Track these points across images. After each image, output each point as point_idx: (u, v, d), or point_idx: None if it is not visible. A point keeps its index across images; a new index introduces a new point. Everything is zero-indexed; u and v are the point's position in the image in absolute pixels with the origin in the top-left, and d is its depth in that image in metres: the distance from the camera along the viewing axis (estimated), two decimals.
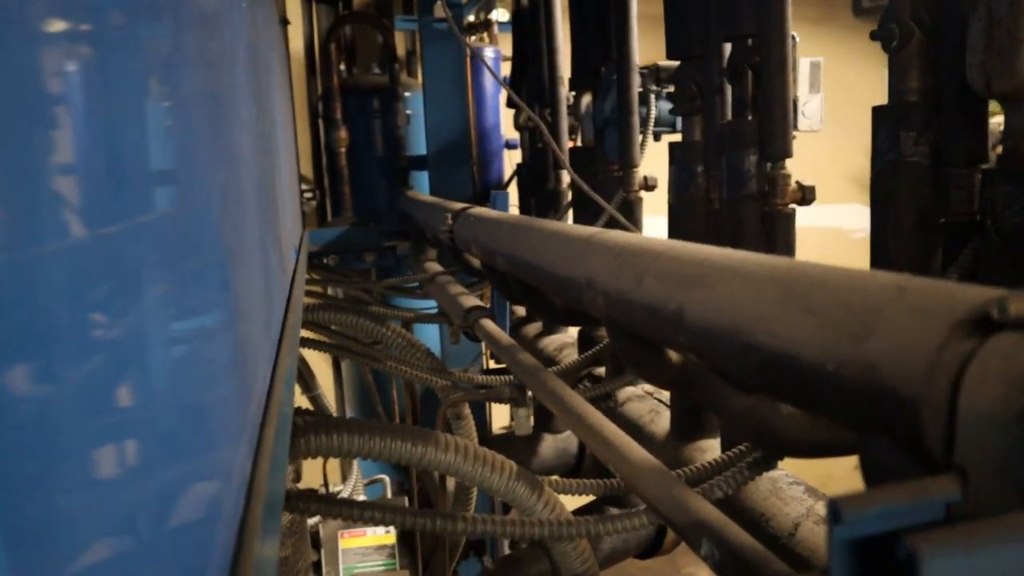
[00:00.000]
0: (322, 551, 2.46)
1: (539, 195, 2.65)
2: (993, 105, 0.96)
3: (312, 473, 3.41)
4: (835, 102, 2.30)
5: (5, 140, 0.27)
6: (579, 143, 2.46)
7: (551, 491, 1.05)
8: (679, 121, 2.20)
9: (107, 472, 0.34)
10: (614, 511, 1.00)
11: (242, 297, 0.67)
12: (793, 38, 1.31)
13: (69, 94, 0.33)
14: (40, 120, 0.30)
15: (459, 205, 1.81)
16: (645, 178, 1.95)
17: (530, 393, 1.46)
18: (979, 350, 0.40)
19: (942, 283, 0.46)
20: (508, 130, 3.04)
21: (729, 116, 1.49)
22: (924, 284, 0.46)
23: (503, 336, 1.58)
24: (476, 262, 1.81)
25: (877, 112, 1.07)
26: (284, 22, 2.79)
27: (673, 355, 0.86)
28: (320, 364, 4.17)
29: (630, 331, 0.81)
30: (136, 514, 0.36)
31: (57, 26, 0.33)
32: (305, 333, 1.80)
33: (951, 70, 0.97)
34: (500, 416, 3.83)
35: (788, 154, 1.33)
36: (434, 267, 2.52)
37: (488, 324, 1.68)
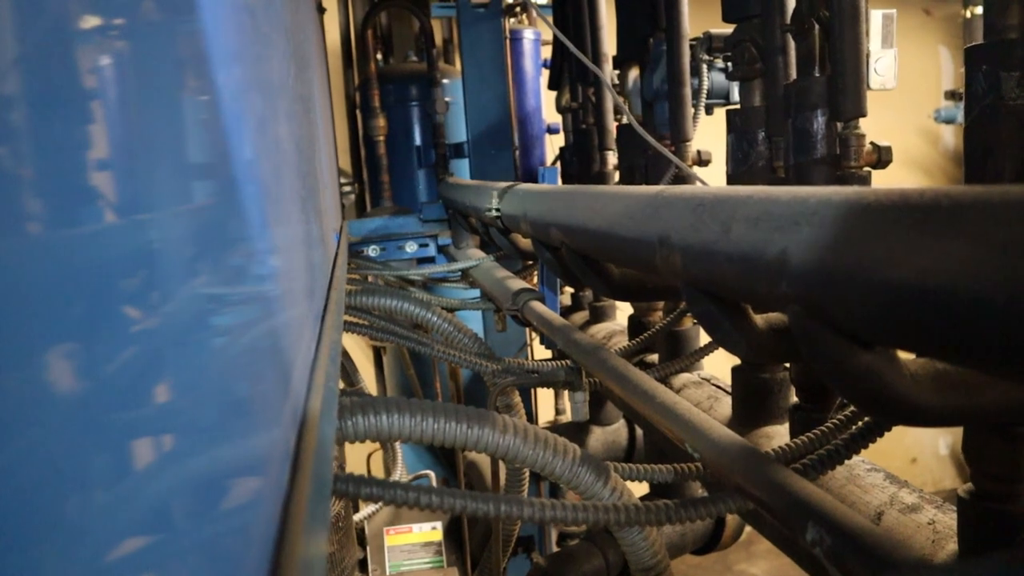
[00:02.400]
0: (368, 548, 2.40)
1: (584, 178, 2.56)
2: None
3: (357, 468, 3.35)
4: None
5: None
6: (624, 122, 2.37)
7: (618, 476, 0.96)
8: (733, 92, 2.11)
9: (142, 457, 0.28)
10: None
11: (283, 274, 0.60)
12: None
13: (105, 86, 0.30)
14: (74, 113, 0.28)
15: (505, 184, 1.72)
16: (699, 152, 1.85)
17: (585, 377, 1.38)
18: None
19: None
20: (549, 114, 2.95)
21: (793, 77, 1.39)
22: None
23: (555, 317, 1.50)
24: (525, 242, 1.73)
25: (972, 53, 0.96)
26: (320, 9, 2.74)
27: (759, 320, 0.77)
28: (361, 360, 4.12)
29: (715, 291, 0.72)
30: (171, 498, 0.30)
31: (90, 21, 0.30)
32: (347, 319, 1.73)
33: None
34: (544, 411, 3.74)
35: (862, 112, 1.22)
36: (476, 253, 2.44)
37: (538, 306, 1.60)
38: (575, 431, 2.74)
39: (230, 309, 0.43)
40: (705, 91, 1.91)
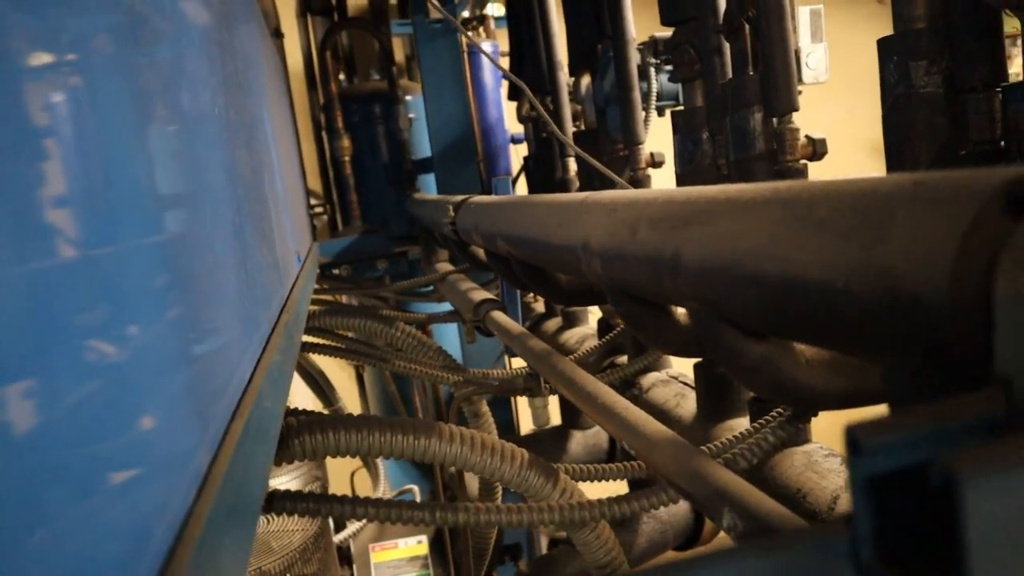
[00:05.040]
0: (354, 566, 2.41)
1: (548, 186, 2.59)
2: None
3: (341, 487, 3.36)
4: (845, 70, 2.22)
5: None
6: (583, 127, 2.39)
7: (567, 478, 0.98)
8: (682, 93, 2.14)
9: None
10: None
11: (200, 300, 0.62)
12: None
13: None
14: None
15: (460, 197, 1.75)
16: (652, 154, 1.88)
17: (544, 383, 1.40)
18: (1015, 231, 0.33)
19: (965, 171, 0.39)
20: (513, 125, 2.98)
21: (730, 75, 1.42)
22: (944, 175, 0.39)
23: (514, 326, 1.52)
24: (481, 252, 1.75)
25: (883, 44, 0.99)
26: (277, 35, 2.76)
27: (681, 315, 0.79)
28: (343, 378, 4.13)
29: (629, 291, 0.74)
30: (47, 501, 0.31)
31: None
32: (314, 339, 1.75)
33: None
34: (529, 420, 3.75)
35: (794, 107, 1.25)
36: (445, 267, 2.46)
37: (499, 316, 1.62)
38: (554, 437, 2.76)
39: (125, 332, 0.44)
40: (654, 94, 1.94)
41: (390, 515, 0.70)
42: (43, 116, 0.36)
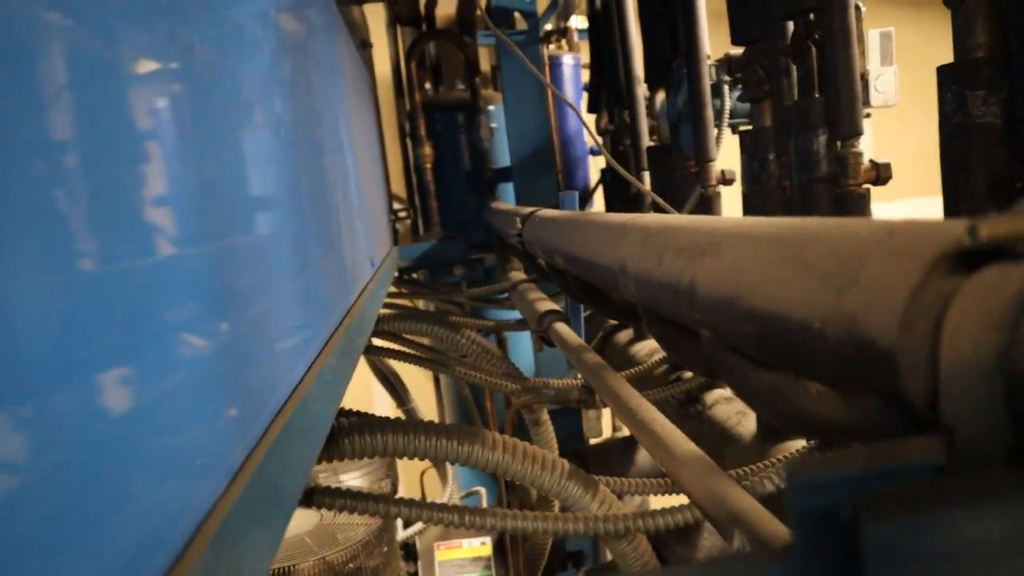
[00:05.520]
0: (419, 563, 2.47)
1: (623, 199, 2.61)
2: None
3: (412, 485, 3.45)
4: (919, 82, 2.16)
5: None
6: (659, 142, 2.41)
7: (606, 490, 1.01)
8: (751, 112, 2.13)
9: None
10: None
11: (250, 312, 0.68)
12: (857, 8, 1.23)
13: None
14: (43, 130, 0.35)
15: (529, 209, 1.79)
16: (723, 172, 1.88)
17: (598, 396, 1.43)
18: (961, 287, 0.35)
19: (940, 220, 0.40)
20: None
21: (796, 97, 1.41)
22: (919, 223, 0.41)
23: (573, 338, 1.55)
24: (544, 264, 1.79)
25: (942, 72, 0.99)
26: (364, 46, 2.86)
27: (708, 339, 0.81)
28: (423, 381, 4.23)
29: (660, 313, 0.77)
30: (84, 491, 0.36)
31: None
32: (385, 344, 1.81)
33: (1021, 18, 0.89)
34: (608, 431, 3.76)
35: (858, 131, 1.24)
36: (518, 276, 2.51)
37: (561, 327, 1.65)
38: (623, 448, 2.77)
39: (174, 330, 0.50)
40: (728, 111, 1.94)
41: (422, 515, 0.74)
42: (95, 122, 0.41)
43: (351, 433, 0.94)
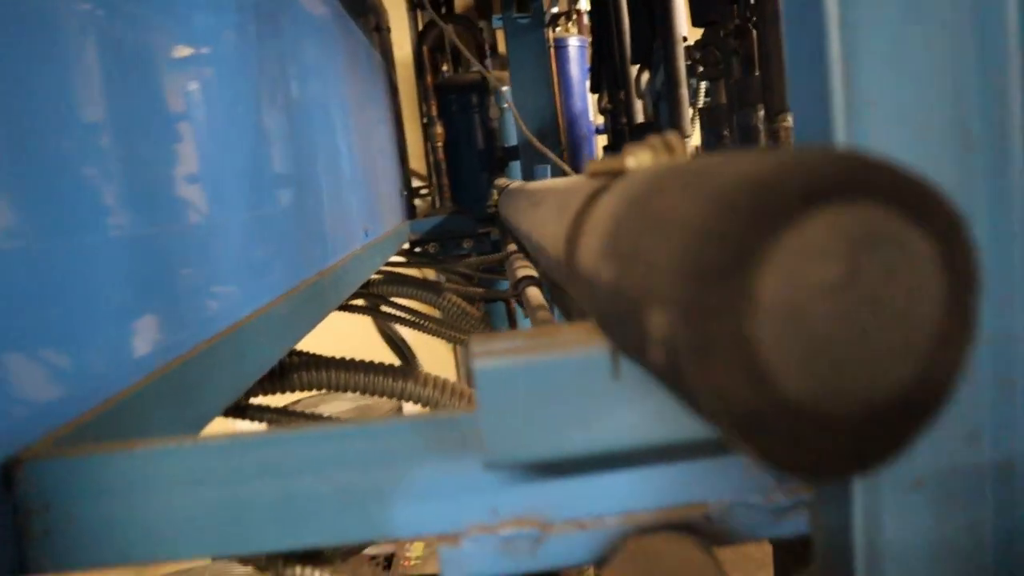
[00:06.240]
0: None
1: None
2: None
3: None
4: None
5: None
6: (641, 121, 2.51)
7: None
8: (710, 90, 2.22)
9: None
10: None
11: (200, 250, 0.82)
12: None
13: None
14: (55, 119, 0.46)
15: (506, 181, 1.91)
16: (697, 148, 1.98)
17: None
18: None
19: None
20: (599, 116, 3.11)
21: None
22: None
23: (538, 298, 1.67)
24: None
25: None
26: (379, 29, 2.99)
27: None
28: (441, 351, 4.39)
29: (551, 278, 0.89)
30: None
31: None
32: (361, 304, 1.95)
33: None
34: None
35: (787, 107, 1.34)
36: (513, 247, 2.63)
37: (531, 291, 1.78)
38: None
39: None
40: (703, 91, 2.03)
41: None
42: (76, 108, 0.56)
43: (299, 369, 1.08)
